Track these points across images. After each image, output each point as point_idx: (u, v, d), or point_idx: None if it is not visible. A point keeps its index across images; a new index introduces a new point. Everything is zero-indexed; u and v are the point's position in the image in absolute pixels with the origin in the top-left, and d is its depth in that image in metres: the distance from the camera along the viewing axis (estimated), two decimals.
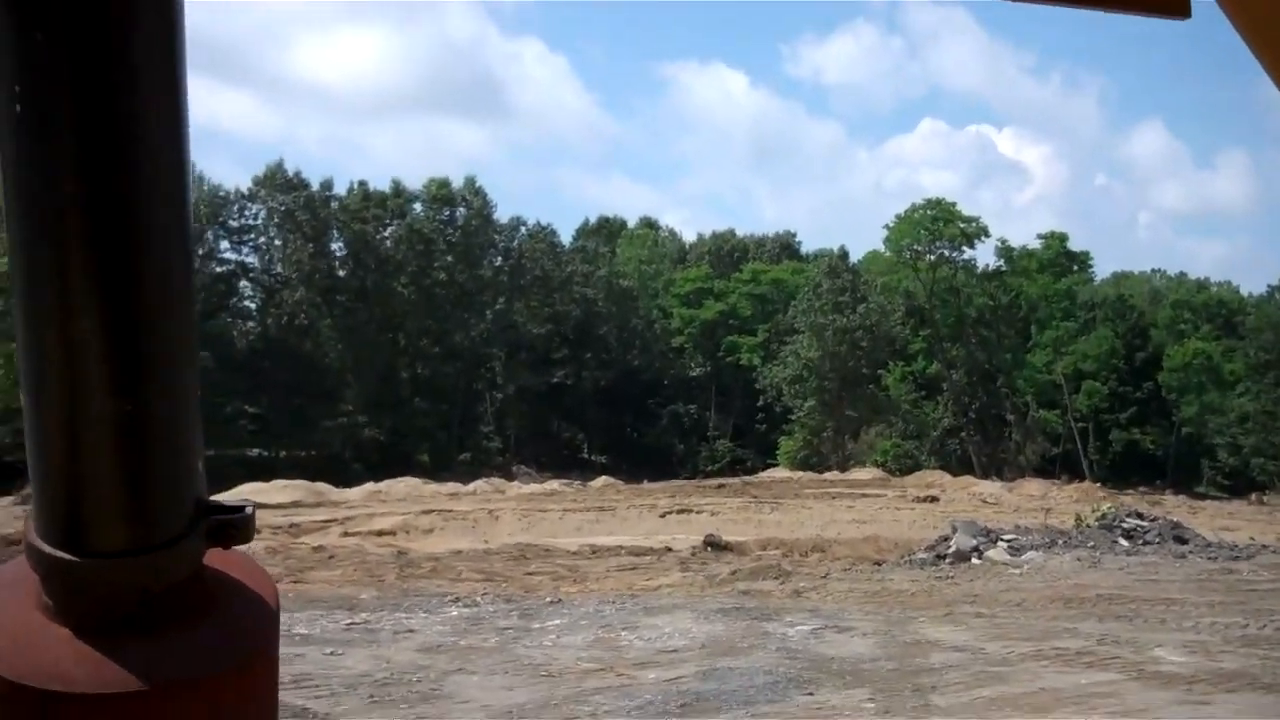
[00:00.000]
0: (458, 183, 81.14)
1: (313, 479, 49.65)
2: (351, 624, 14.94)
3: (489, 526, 31.07)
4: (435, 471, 60.83)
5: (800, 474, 57.27)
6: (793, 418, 76.50)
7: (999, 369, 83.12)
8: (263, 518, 33.30)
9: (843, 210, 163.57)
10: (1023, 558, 24.03)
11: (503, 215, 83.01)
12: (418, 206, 79.89)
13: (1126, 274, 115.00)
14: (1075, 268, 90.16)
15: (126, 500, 1.08)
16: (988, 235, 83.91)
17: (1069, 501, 44.47)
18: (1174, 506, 40.66)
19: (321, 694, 10.75)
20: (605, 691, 10.82)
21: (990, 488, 48.09)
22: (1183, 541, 27.19)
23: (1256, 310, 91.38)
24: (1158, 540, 26.74)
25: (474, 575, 20.62)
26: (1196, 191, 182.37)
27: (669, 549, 26.75)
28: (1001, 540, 25.51)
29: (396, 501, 41.57)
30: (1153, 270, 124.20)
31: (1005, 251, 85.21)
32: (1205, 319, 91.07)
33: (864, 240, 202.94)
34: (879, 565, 25.43)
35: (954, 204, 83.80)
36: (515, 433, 79.27)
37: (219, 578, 1.20)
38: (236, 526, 1.18)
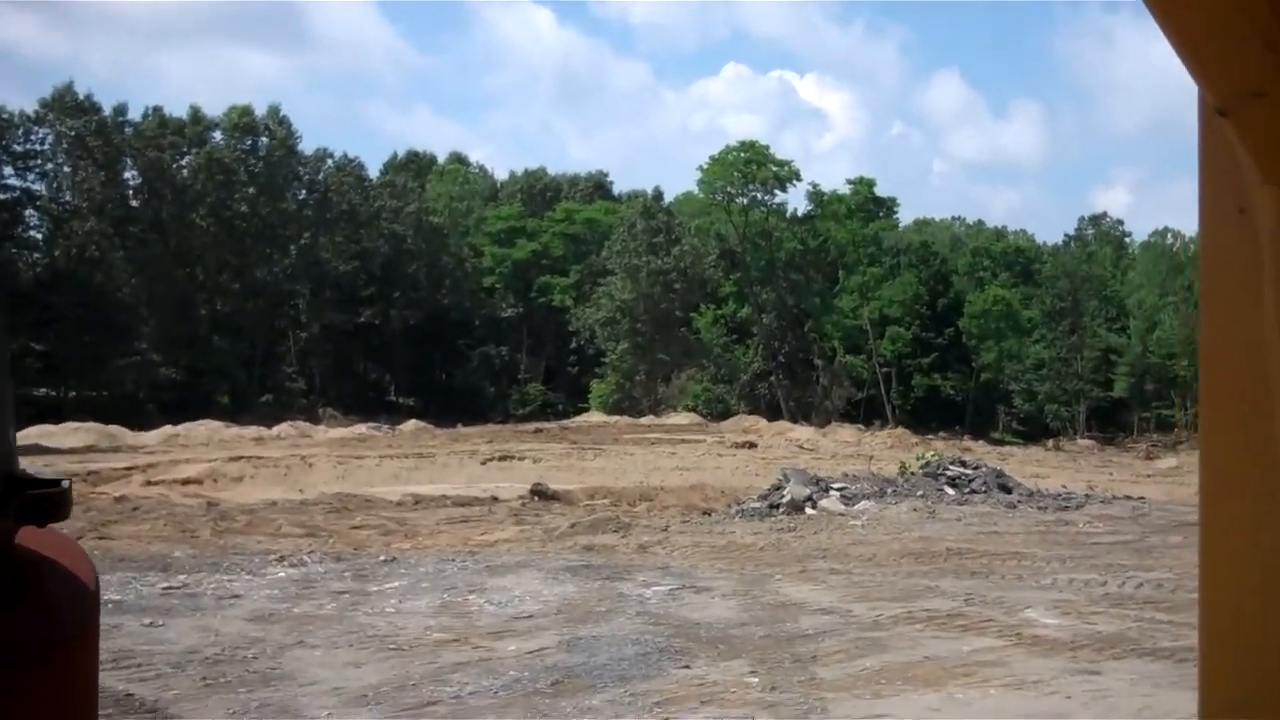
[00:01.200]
0: (260, 112, 78.05)
1: (105, 421, 47.17)
2: (169, 588, 13.64)
3: (302, 474, 29.64)
4: (236, 414, 58.73)
5: (617, 419, 56.83)
6: (605, 361, 75.97)
7: (808, 313, 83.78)
8: (54, 464, 31.22)
9: (650, 151, 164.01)
10: (857, 507, 23.75)
11: (306, 147, 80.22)
12: (217, 135, 76.49)
13: (928, 220, 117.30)
14: (882, 213, 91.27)
15: None
16: (799, 179, 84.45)
17: (883, 448, 44.97)
18: (983, 454, 41.33)
19: (146, 675, 9.54)
20: (465, 668, 9.87)
21: (805, 433, 48.36)
22: (1007, 490, 27.35)
23: (1053, 258, 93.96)
24: (984, 490, 26.83)
25: (295, 530, 19.37)
26: (991, 141, 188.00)
27: (495, 499, 25.84)
28: (832, 489, 25.23)
29: (199, 446, 39.66)
30: (953, 218, 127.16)
31: (816, 196, 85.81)
32: (1003, 266, 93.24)
33: (672, 182, 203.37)
34: (708, 515, 24.99)
35: (767, 147, 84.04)
36: (320, 374, 76.95)
37: (31, 558, 1.08)
38: (52, 502, 1.06)
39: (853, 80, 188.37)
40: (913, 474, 28.61)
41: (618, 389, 74.04)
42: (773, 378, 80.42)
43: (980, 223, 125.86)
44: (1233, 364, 1.60)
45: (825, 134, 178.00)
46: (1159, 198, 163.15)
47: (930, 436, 54.16)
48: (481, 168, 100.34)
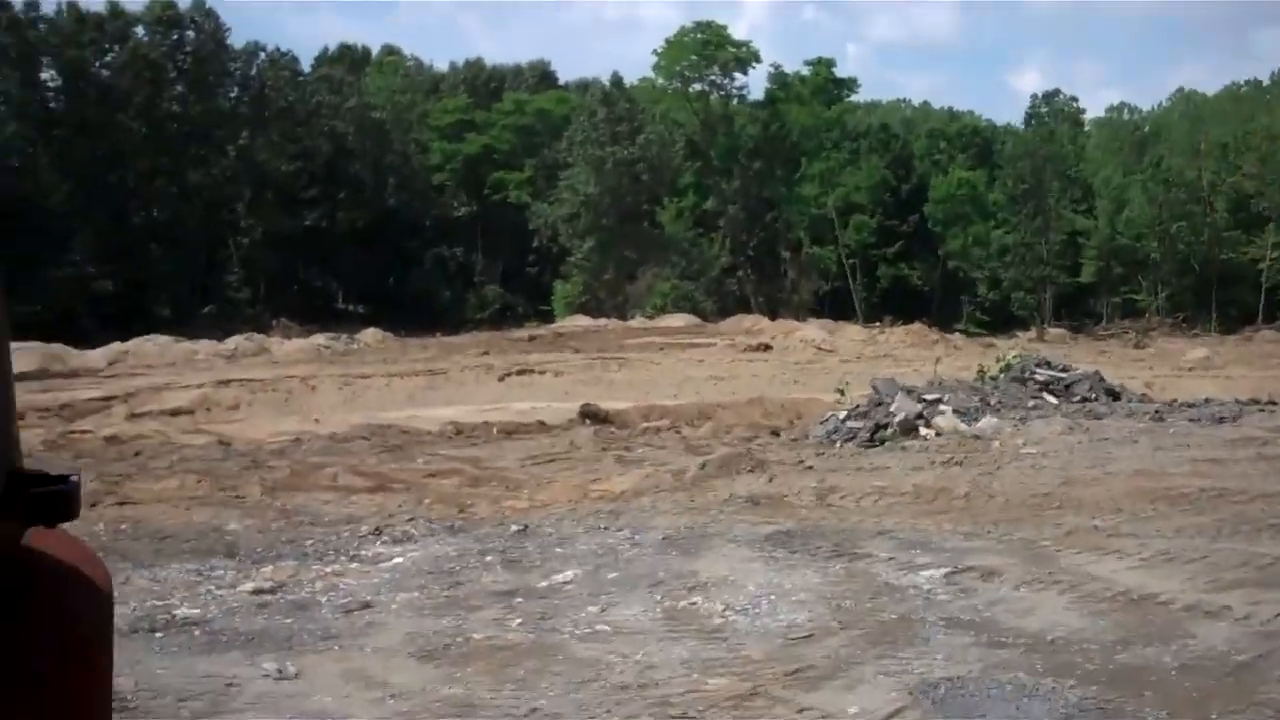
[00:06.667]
0: (183, 5, 72.17)
1: (46, 339, 42.87)
2: (259, 591, 9.99)
3: (305, 399, 25.91)
4: (179, 326, 54.34)
5: (606, 322, 53.04)
6: (570, 259, 71.84)
7: (772, 203, 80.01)
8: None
9: (564, 43, 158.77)
10: (979, 425, 20.42)
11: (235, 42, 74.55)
12: (140, 30, 70.64)
13: (875, 104, 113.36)
14: (845, 94, 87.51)
15: None
16: (759, 60, 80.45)
17: (904, 346, 41.94)
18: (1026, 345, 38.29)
19: None
20: None
21: (814, 332, 44.92)
22: (1115, 397, 24.25)
23: (1014, 139, 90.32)
24: (1093, 397, 23.66)
25: (356, 480, 15.66)
26: (907, 23, 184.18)
27: (542, 423, 22.43)
28: (942, 404, 21.82)
29: (163, 366, 35.56)
30: (899, 100, 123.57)
31: (778, 77, 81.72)
32: (959, 148, 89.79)
33: (593, 74, 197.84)
34: (776, 435, 21.90)
35: (725, 26, 79.85)
36: (264, 282, 72.15)
37: (40, 559, 1.02)
38: (60, 500, 1.00)
39: None
40: (993, 379, 25.34)
41: (584, 290, 70.03)
42: (741, 273, 76.95)
43: (926, 104, 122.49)
44: None
45: (737, 20, 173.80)
46: (1073, 78, 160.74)
47: (953, 334, 51.01)
48: (419, 60, 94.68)
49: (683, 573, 10.23)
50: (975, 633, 8.60)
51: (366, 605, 9.52)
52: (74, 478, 1.02)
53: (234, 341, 45.52)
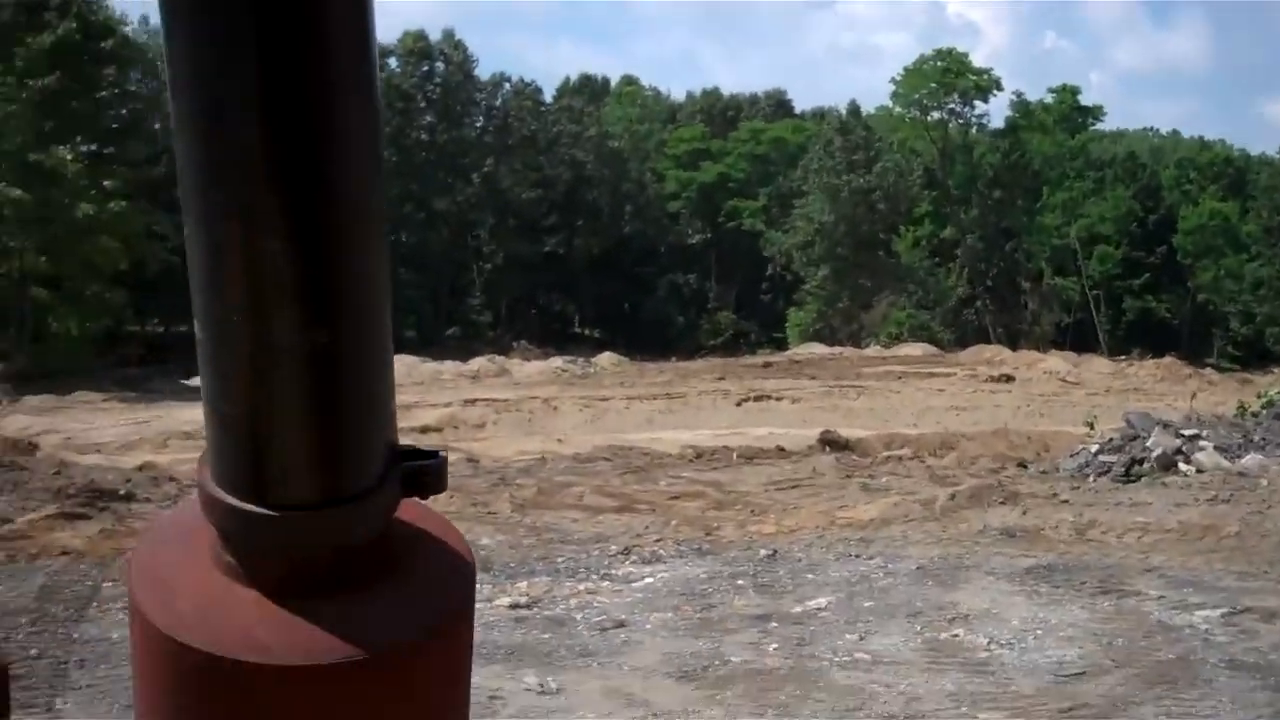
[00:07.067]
0: (434, 37, 74.83)
1: None
2: (516, 605, 10.11)
3: (548, 419, 26.32)
4: (424, 347, 56.32)
5: (842, 350, 52.54)
6: (804, 287, 71.47)
7: (1012, 233, 78.17)
8: None
9: (800, 73, 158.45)
10: (1244, 463, 19.40)
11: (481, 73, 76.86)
12: (392, 62, 73.42)
13: (1121, 132, 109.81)
14: (1090, 122, 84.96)
15: (320, 446, 0.93)
16: (999, 88, 78.89)
17: (1153, 380, 40.32)
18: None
19: None
20: None
21: (1060, 365, 43.55)
22: None
23: (1270, 169, 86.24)
24: None
25: (602, 500, 15.80)
26: (1153, 50, 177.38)
27: (782, 449, 22.23)
28: (1202, 440, 20.81)
29: (411, 385, 36.63)
30: (1146, 129, 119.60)
31: (1020, 105, 79.95)
32: (1211, 179, 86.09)
33: (829, 102, 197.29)
34: (1024, 467, 21.21)
35: (965, 54, 78.54)
36: (505, 306, 73.92)
37: (410, 531, 1.05)
38: (431, 474, 1.01)
39: None
40: (1254, 415, 24.04)
41: (818, 317, 69.54)
42: (978, 303, 75.31)
43: (1176, 133, 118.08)
44: None
45: (977, 48, 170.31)
46: None
47: (1204, 369, 48.84)
48: (656, 90, 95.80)
49: (941, 604, 9.97)
50: (1261, 676, 8.13)
51: (621, 624, 9.55)
52: (441, 454, 1.01)
53: (477, 363, 46.87)
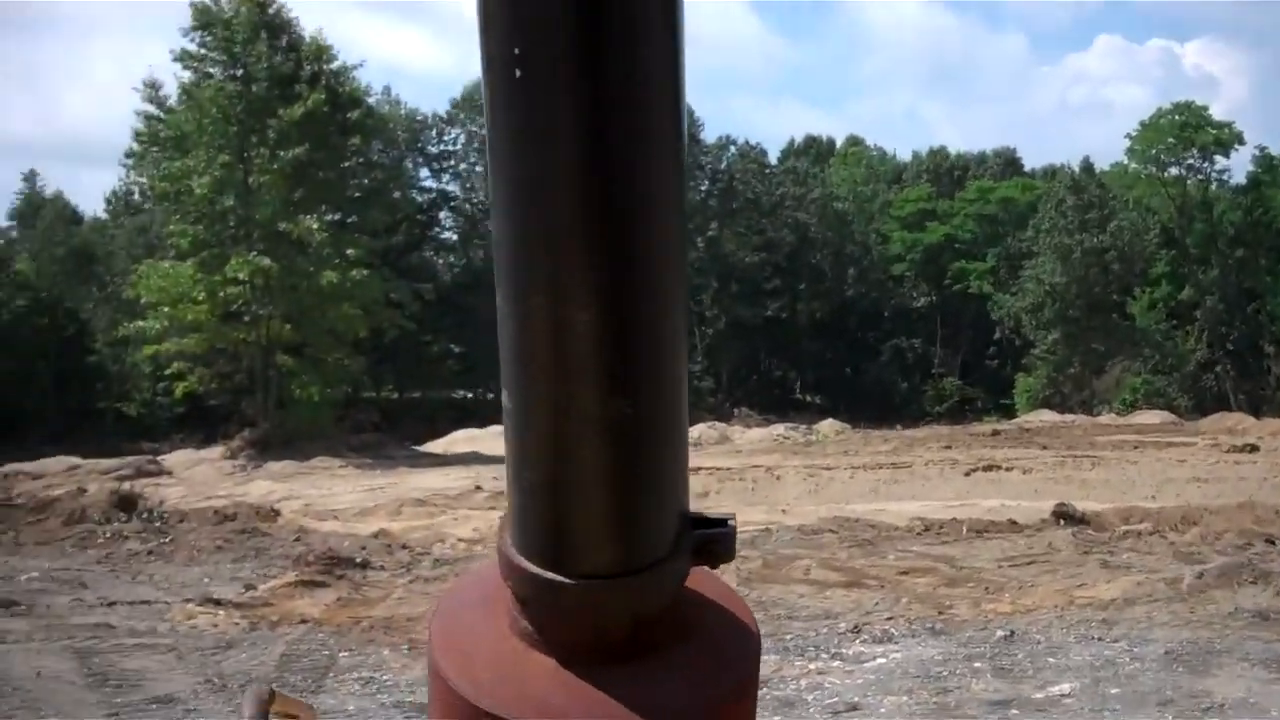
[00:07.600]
0: None
1: None
2: None
3: (770, 489, 26.13)
4: None
5: (1077, 417, 51.00)
6: (1033, 352, 69.61)
7: (1255, 294, 74.77)
8: (483, 473, 28.96)
9: (1027, 130, 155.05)
10: None
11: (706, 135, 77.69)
12: None
13: None
14: None
15: (620, 515, 0.96)
16: (1241, 142, 75.77)
17: None
18: None
19: None
20: None
21: None
22: None
23: None
24: None
25: (829, 574, 15.53)
26: None
27: (1013, 522, 21.52)
28: None
29: None
30: None
31: (1264, 160, 76.64)
32: None
33: (1059, 159, 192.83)
34: (1273, 544, 20.03)
35: (1205, 107, 75.70)
36: (727, 371, 74.04)
37: (699, 600, 1.07)
38: (721, 542, 1.02)
39: (1244, 43, 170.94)
40: None
41: (1049, 383, 67.58)
42: (1219, 368, 72.09)
43: None
44: None
45: (1215, 101, 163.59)
46: None
47: None
48: (881, 150, 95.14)
49: (1194, 692, 9.45)
50: None
51: (854, 707, 9.33)
52: (731, 521, 1.02)
53: (698, 429, 46.94)
